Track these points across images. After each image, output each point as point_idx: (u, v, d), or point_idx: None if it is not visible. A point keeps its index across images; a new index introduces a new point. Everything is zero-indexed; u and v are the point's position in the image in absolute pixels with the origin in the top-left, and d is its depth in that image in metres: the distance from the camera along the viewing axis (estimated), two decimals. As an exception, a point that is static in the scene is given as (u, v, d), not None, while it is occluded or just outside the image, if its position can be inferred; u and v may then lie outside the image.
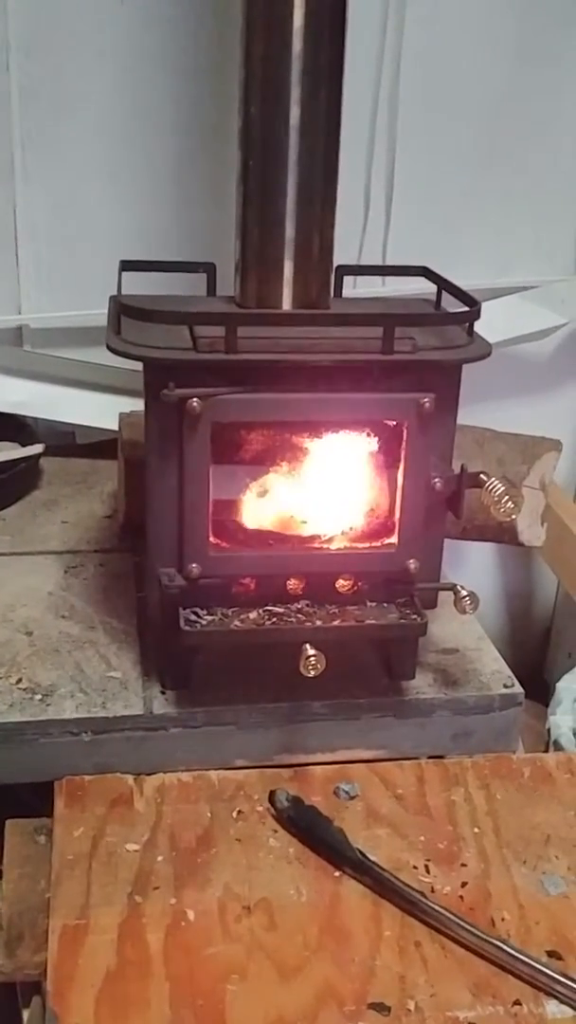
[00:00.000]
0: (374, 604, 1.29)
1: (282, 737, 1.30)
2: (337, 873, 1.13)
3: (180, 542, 1.22)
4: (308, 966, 1.02)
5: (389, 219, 1.86)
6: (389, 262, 1.87)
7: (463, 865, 1.15)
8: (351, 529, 1.28)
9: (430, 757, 1.33)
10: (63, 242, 1.79)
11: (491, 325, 1.48)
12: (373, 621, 1.26)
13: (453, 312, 1.30)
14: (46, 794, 1.23)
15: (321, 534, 1.28)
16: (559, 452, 1.58)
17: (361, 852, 1.13)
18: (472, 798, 1.25)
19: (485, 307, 1.32)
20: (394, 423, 1.23)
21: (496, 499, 1.21)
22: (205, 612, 1.25)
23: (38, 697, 1.28)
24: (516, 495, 1.22)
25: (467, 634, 1.44)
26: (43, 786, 1.25)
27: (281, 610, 1.26)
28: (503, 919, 1.09)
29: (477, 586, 1.29)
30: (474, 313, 1.25)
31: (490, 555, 2.17)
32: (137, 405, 1.36)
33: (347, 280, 1.43)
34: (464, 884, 1.13)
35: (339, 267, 1.38)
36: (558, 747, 1.66)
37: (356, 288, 1.64)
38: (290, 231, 1.26)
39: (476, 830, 1.20)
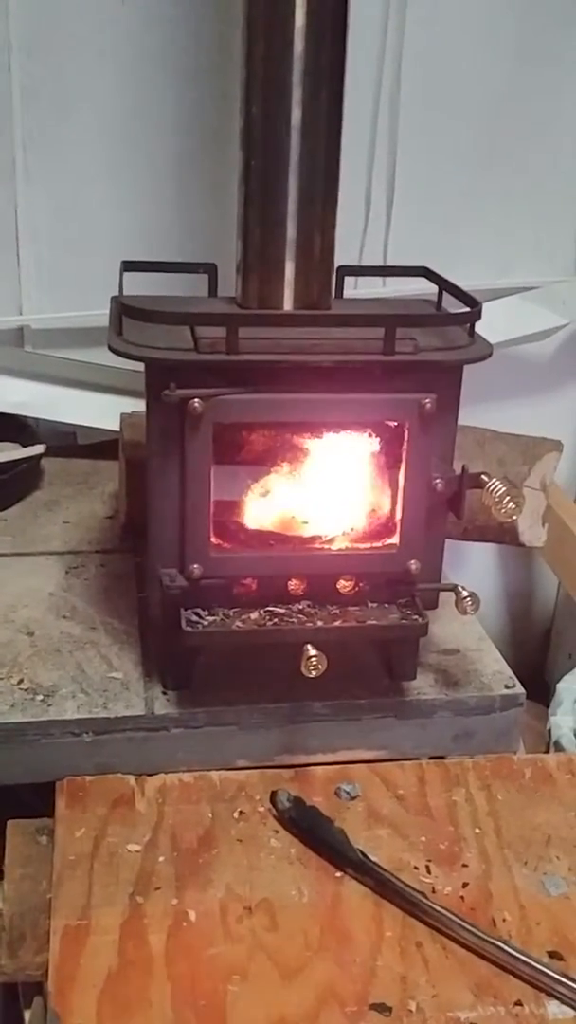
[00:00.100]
0: (375, 605, 1.29)
1: (283, 737, 1.30)
2: (338, 874, 1.13)
3: (181, 543, 1.22)
4: (309, 967, 1.03)
5: (390, 220, 1.86)
6: (390, 263, 1.87)
7: (464, 866, 1.16)
8: (352, 530, 1.28)
9: (431, 758, 1.33)
10: (64, 243, 1.79)
11: (492, 326, 1.48)
12: (374, 622, 1.26)
13: (454, 313, 1.30)
14: (47, 794, 1.23)
15: (322, 535, 1.28)
16: (560, 453, 1.58)
17: (362, 853, 1.13)
18: (473, 799, 1.25)
19: (486, 308, 1.32)
20: (395, 424, 1.23)
21: (497, 500, 1.21)
22: (206, 612, 1.25)
23: (39, 698, 1.28)
24: (517, 496, 1.22)
25: (468, 635, 1.44)
26: (44, 786, 1.25)
27: (282, 610, 1.26)
28: (504, 920, 1.09)
29: (478, 587, 1.30)
30: (475, 314, 1.25)
31: (491, 556, 2.17)
32: (138, 406, 1.36)
33: (348, 281, 1.43)
34: (465, 885, 1.13)
35: (340, 268, 1.38)
36: (559, 748, 1.66)
37: (357, 289, 1.64)
38: (291, 232, 1.26)
39: (477, 831, 1.20)
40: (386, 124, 1.81)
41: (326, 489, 1.27)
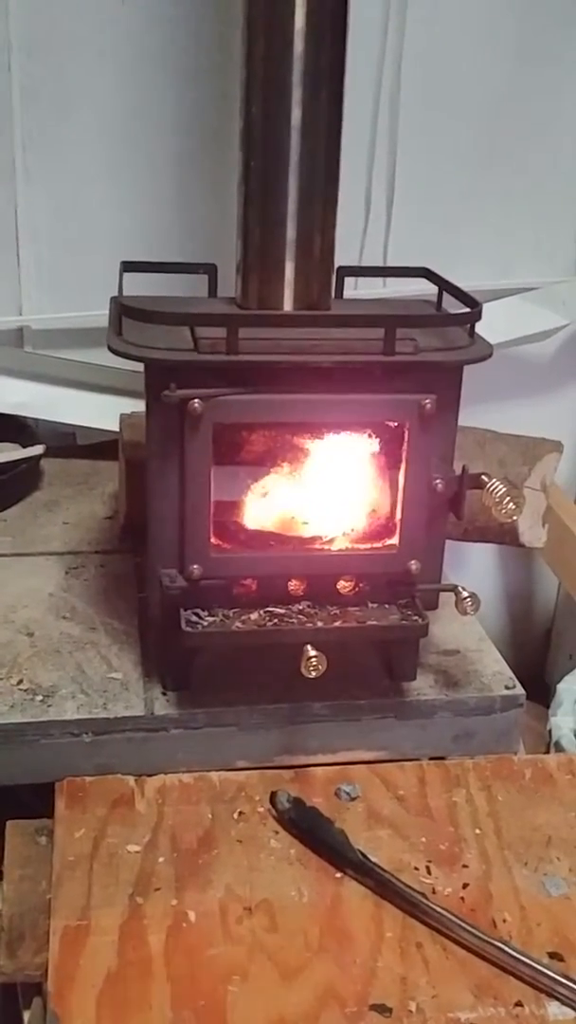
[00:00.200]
0: (375, 605, 1.29)
1: (283, 738, 1.30)
2: (338, 874, 1.13)
3: (181, 543, 1.22)
4: (309, 967, 1.02)
5: (390, 220, 1.86)
6: (390, 263, 1.87)
7: (464, 866, 1.15)
8: (352, 530, 1.28)
9: (431, 758, 1.33)
10: (64, 243, 1.79)
11: (492, 326, 1.48)
12: (374, 622, 1.26)
13: (454, 313, 1.30)
14: (46, 795, 1.23)
15: (322, 535, 1.28)
16: (560, 453, 1.58)
17: (362, 853, 1.13)
18: (473, 799, 1.25)
19: (486, 308, 1.32)
20: (395, 424, 1.23)
21: (497, 500, 1.21)
22: (206, 613, 1.25)
23: (39, 698, 1.28)
24: (517, 496, 1.22)
25: (468, 635, 1.44)
26: (43, 787, 1.24)
27: (282, 611, 1.26)
28: (504, 920, 1.09)
29: (478, 587, 1.30)
30: (475, 314, 1.25)
31: (491, 556, 2.17)
32: (138, 406, 1.36)
33: (348, 281, 1.43)
34: (465, 885, 1.13)
35: (340, 268, 1.38)
36: (559, 748, 1.66)
37: (357, 289, 1.64)
38: (291, 232, 1.26)
39: (477, 831, 1.20)
40: (386, 124, 1.81)
41: (326, 490, 1.27)
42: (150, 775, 1.25)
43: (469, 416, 1.36)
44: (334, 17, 1.22)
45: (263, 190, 1.26)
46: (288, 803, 1.19)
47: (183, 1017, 0.97)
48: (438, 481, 1.24)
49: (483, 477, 1.23)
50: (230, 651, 1.32)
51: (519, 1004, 0.99)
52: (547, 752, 1.68)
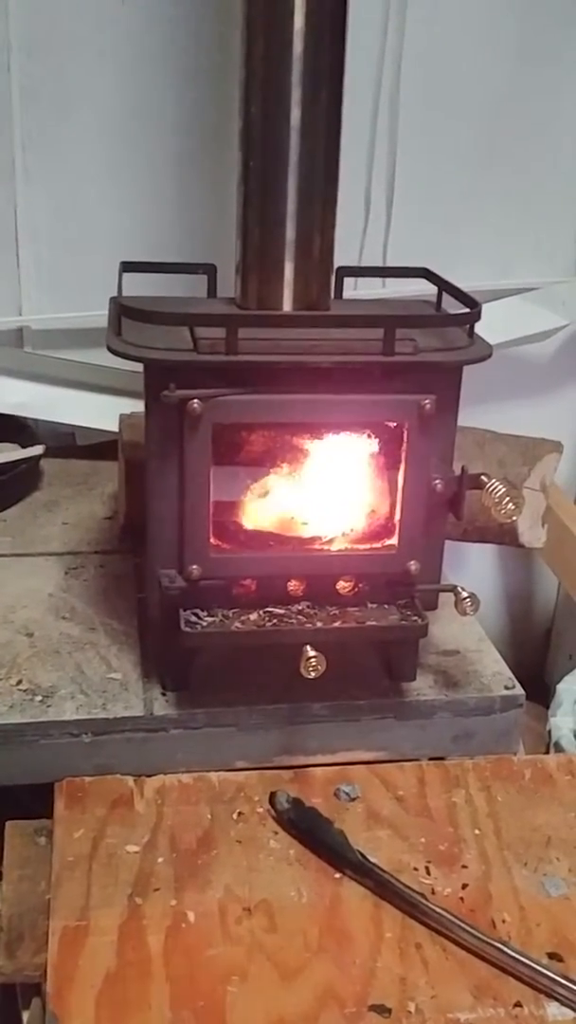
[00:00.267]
0: (375, 606, 1.29)
1: (282, 739, 1.30)
2: (338, 875, 1.13)
3: (181, 543, 1.22)
4: (309, 968, 1.02)
5: (390, 220, 1.86)
6: (390, 263, 1.87)
7: (464, 867, 1.15)
8: (352, 530, 1.28)
9: (431, 759, 1.33)
10: (64, 243, 1.79)
11: (492, 327, 1.47)
12: (374, 623, 1.26)
13: (454, 314, 1.30)
14: (44, 795, 1.23)
15: (322, 535, 1.28)
16: (560, 454, 1.58)
17: (362, 854, 1.13)
18: (473, 800, 1.25)
19: (486, 308, 1.32)
20: (395, 424, 1.23)
21: (497, 500, 1.21)
22: (205, 613, 1.25)
23: (38, 698, 1.28)
24: (517, 496, 1.22)
25: (468, 636, 1.44)
26: (41, 787, 1.24)
27: (282, 611, 1.26)
28: (504, 921, 1.09)
29: (478, 588, 1.29)
30: (475, 315, 1.25)
31: (491, 557, 2.17)
32: (138, 406, 1.36)
33: (347, 281, 1.43)
34: (465, 886, 1.13)
35: (340, 268, 1.38)
36: (559, 749, 1.66)
37: (357, 289, 1.64)
38: (291, 232, 1.26)
39: (477, 832, 1.20)
40: (386, 124, 1.80)
41: (325, 490, 1.26)
42: (149, 775, 1.25)
43: (469, 416, 1.36)
44: (333, 17, 1.22)
45: (262, 190, 1.26)
46: (287, 803, 1.19)
47: (182, 1017, 0.97)
48: (437, 481, 1.24)
49: (483, 477, 1.23)
50: (229, 651, 1.32)
51: (518, 1004, 0.99)
52: (547, 752, 1.68)
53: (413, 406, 1.20)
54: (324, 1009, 0.98)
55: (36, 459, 1.80)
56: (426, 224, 1.86)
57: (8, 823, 1.23)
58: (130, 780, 1.24)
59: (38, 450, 1.80)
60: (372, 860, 1.12)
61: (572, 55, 1.84)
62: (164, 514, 1.22)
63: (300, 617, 1.26)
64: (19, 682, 1.30)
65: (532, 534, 1.54)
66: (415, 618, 1.27)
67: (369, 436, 1.25)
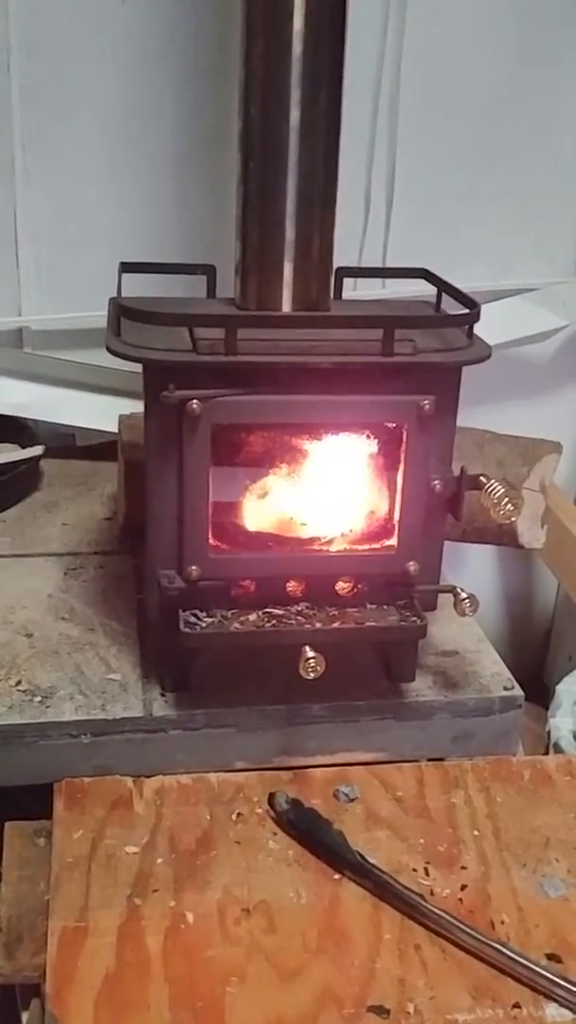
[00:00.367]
0: (374, 606, 1.29)
1: (282, 739, 1.30)
2: (337, 876, 1.13)
3: (180, 544, 1.22)
4: (307, 968, 1.02)
5: (389, 221, 1.86)
6: (389, 264, 1.87)
7: (463, 868, 1.15)
8: (351, 531, 1.28)
9: (430, 759, 1.33)
10: (63, 244, 1.79)
11: (491, 327, 1.48)
12: (373, 623, 1.26)
13: (453, 314, 1.30)
14: (43, 796, 1.23)
15: (321, 536, 1.28)
16: (559, 454, 1.58)
17: (361, 855, 1.13)
18: (472, 801, 1.25)
19: (485, 309, 1.32)
20: (394, 425, 1.23)
21: (496, 501, 1.21)
22: (205, 614, 1.25)
23: (38, 699, 1.28)
24: (516, 497, 1.22)
25: (467, 636, 1.44)
26: (40, 788, 1.24)
27: (281, 612, 1.26)
28: (503, 922, 1.09)
29: (477, 588, 1.29)
30: (474, 315, 1.25)
31: (490, 557, 2.17)
32: (137, 407, 1.36)
33: (347, 282, 1.43)
34: (464, 887, 1.13)
35: (339, 269, 1.38)
36: (558, 749, 1.66)
37: (356, 290, 1.64)
38: (290, 233, 1.26)
39: (476, 833, 1.20)
40: (385, 124, 1.80)
41: (325, 491, 1.26)
42: (149, 776, 1.25)
43: (468, 417, 1.36)
44: (333, 18, 1.22)
45: (262, 191, 1.26)
46: (287, 804, 1.19)
47: (181, 1018, 0.97)
48: (437, 482, 1.24)
49: (482, 478, 1.23)
50: (229, 652, 1.32)
51: (517, 1005, 0.99)
52: (546, 753, 1.68)
53: (412, 407, 1.20)
54: (323, 1010, 0.98)
55: (36, 460, 1.80)
56: (426, 224, 1.86)
57: (7, 824, 1.23)
58: (129, 781, 1.24)
59: (38, 451, 1.80)
60: (371, 861, 1.12)
61: (572, 55, 1.84)
62: (163, 515, 1.22)
63: (299, 618, 1.26)
64: (18, 683, 1.30)
65: (531, 535, 1.54)
66: (414, 619, 1.27)
67: (368, 437, 1.25)
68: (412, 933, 1.07)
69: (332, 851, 1.14)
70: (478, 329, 1.27)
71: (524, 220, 1.93)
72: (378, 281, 1.79)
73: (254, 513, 1.27)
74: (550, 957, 1.05)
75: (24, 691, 1.29)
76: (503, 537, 1.55)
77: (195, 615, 1.24)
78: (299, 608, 1.27)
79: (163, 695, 1.30)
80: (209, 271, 1.43)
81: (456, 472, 1.25)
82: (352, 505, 1.28)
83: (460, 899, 1.11)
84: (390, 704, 1.32)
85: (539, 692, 1.87)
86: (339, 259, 1.34)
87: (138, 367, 1.18)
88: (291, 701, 1.29)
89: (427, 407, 1.20)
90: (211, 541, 1.22)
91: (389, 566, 1.27)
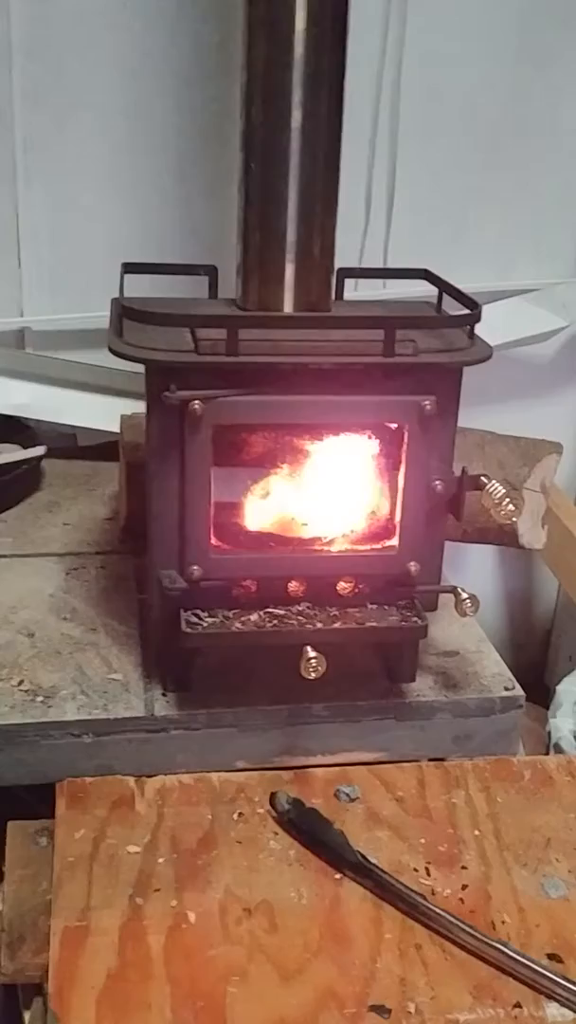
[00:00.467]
0: (375, 606, 1.29)
1: (283, 739, 1.30)
2: (338, 875, 1.13)
3: (181, 544, 1.22)
4: (309, 968, 1.03)
5: (390, 222, 1.86)
6: (390, 264, 1.87)
7: (464, 868, 1.15)
8: (352, 531, 1.28)
9: (431, 759, 1.33)
10: (65, 244, 1.79)
11: (492, 328, 1.48)
12: (374, 623, 1.26)
13: (454, 315, 1.30)
14: (45, 796, 1.23)
15: (322, 536, 1.28)
16: (560, 455, 1.58)
17: (362, 855, 1.13)
18: (473, 801, 1.25)
19: (486, 310, 1.33)
20: (395, 425, 1.23)
21: (497, 501, 1.21)
22: (206, 614, 1.25)
23: (40, 699, 1.28)
24: (517, 498, 1.22)
25: (468, 637, 1.44)
26: (42, 788, 1.25)
27: (282, 612, 1.26)
28: (503, 922, 1.09)
29: (478, 589, 1.30)
30: (475, 316, 1.25)
31: (491, 558, 2.17)
32: (139, 407, 1.36)
33: (348, 283, 1.43)
34: (465, 887, 1.13)
35: (340, 270, 1.38)
36: (559, 750, 1.66)
37: (357, 291, 1.64)
38: (291, 234, 1.26)
39: (477, 833, 1.20)
40: (386, 125, 1.81)
41: (326, 491, 1.27)
42: (150, 776, 1.25)
43: (469, 417, 1.36)
44: (334, 20, 1.22)
45: (263, 192, 1.26)
46: (288, 804, 1.19)
47: (183, 1018, 0.97)
48: (437, 482, 1.24)
49: (482, 478, 1.23)
50: (230, 652, 1.32)
51: (518, 1005, 1.00)
52: (547, 754, 1.68)
53: (413, 407, 1.20)
54: (324, 1010, 0.98)
55: (37, 460, 1.80)
56: (426, 225, 1.87)
57: (9, 823, 1.24)
58: (131, 781, 1.25)
59: (39, 451, 1.81)
60: (372, 861, 1.12)
61: (572, 57, 1.84)
62: (165, 515, 1.22)
63: (300, 618, 1.26)
64: (20, 683, 1.30)
65: (532, 535, 1.54)
66: (415, 619, 1.27)
67: (369, 437, 1.25)
68: (413, 933, 1.07)
69: (333, 851, 1.14)
70: (479, 330, 1.27)
71: (524, 221, 1.93)
72: (379, 282, 1.79)
73: (255, 513, 1.27)
74: (551, 957, 1.05)
75: (26, 691, 1.29)
76: (504, 537, 1.55)
77: (196, 615, 1.25)
78: (300, 608, 1.27)
79: (165, 695, 1.30)
80: (211, 272, 1.43)
81: (457, 472, 1.25)
82: (353, 505, 1.28)
83: (461, 899, 1.12)
84: (391, 704, 1.32)
85: (540, 692, 1.87)
86: (340, 260, 1.34)
87: (140, 367, 1.18)
88: (292, 701, 1.30)
89: (428, 407, 1.20)
90: (212, 541, 1.23)
91: (390, 566, 1.27)
